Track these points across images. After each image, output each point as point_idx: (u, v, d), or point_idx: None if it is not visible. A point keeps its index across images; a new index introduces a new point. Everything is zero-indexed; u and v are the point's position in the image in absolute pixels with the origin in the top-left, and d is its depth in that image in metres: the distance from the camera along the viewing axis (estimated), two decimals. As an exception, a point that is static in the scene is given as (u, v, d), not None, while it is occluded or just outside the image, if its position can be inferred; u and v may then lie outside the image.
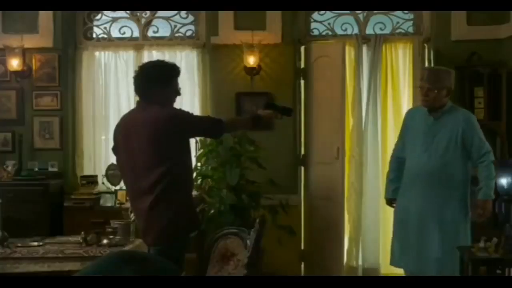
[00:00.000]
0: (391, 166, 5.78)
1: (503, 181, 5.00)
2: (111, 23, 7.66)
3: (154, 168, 4.38)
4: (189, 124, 4.49)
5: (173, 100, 4.59)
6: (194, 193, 6.28)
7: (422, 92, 5.44)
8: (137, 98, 4.59)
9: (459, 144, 5.35)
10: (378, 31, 7.54)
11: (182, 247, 4.48)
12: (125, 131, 4.51)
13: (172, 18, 7.64)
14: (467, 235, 5.37)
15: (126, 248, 5.22)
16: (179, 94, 4.64)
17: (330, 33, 7.61)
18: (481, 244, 4.93)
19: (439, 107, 5.43)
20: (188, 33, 7.65)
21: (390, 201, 5.79)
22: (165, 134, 4.36)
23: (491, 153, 5.38)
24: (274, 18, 7.33)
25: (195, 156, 6.81)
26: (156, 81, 4.48)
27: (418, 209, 5.41)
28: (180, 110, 4.58)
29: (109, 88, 7.55)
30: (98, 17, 7.68)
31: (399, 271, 6.71)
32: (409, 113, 5.81)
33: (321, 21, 7.63)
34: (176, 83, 4.61)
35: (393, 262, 5.77)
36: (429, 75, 5.48)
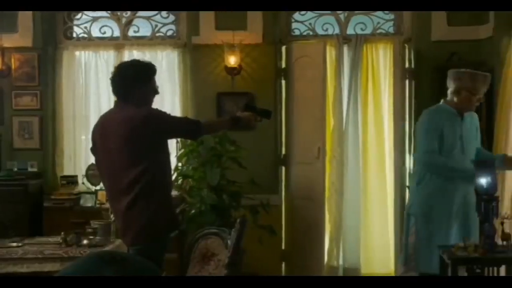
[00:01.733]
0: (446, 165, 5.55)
1: (482, 181, 5.02)
2: (92, 23, 7.62)
3: (131, 168, 4.38)
4: (165, 125, 4.49)
5: (151, 100, 4.58)
6: (175, 193, 6.27)
7: (475, 98, 5.46)
8: (115, 99, 4.59)
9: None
10: (359, 31, 7.55)
11: (162, 247, 4.48)
12: (103, 131, 4.52)
13: (153, 18, 7.61)
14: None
15: (106, 248, 5.19)
16: (157, 92, 4.64)
17: (311, 33, 7.62)
18: (461, 244, 4.96)
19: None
20: (169, 33, 7.63)
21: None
22: (141, 134, 4.36)
23: None
24: (255, 18, 7.33)
25: (175, 156, 6.80)
26: (132, 80, 4.48)
27: (465, 206, 5.39)
28: (157, 110, 4.57)
29: (90, 87, 7.52)
30: (78, 16, 7.64)
31: (380, 271, 6.76)
32: (437, 114, 5.57)
33: (302, 21, 7.64)
34: (154, 82, 4.60)
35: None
36: (486, 80, 5.52)
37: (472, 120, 5.59)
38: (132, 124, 4.38)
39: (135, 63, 4.67)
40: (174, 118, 4.83)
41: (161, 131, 4.47)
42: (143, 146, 4.38)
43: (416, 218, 5.45)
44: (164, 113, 4.56)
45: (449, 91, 5.59)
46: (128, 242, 4.48)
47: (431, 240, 5.35)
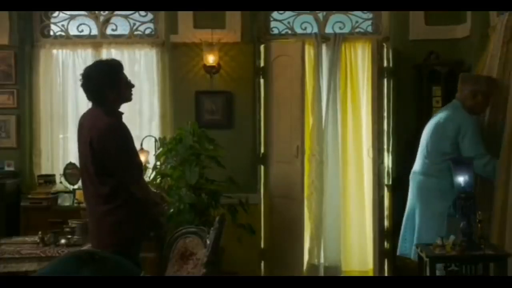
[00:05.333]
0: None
1: (460, 179, 5.06)
2: (69, 21, 7.57)
3: (98, 174, 4.38)
4: (108, 155, 4.38)
5: (118, 102, 4.52)
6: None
7: (488, 101, 5.60)
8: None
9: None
10: (338, 30, 7.56)
11: (137, 249, 4.47)
12: (78, 132, 4.56)
13: (131, 16, 7.58)
14: None
15: (84, 248, 5.17)
16: (131, 85, 4.58)
17: (289, 32, 7.62)
18: (439, 242, 4.99)
19: None
20: (147, 31, 7.59)
21: None
22: (98, 145, 4.35)
23: None
24: (233, 16, 7.31)
25: (154, 154, 6.79)
26: (100, 83, 4.44)
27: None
28: (114, 133, 4.42)
29: (67, 86, 7.46)
30: (55, 14, 7.58)
31: (360, 269, 6.79)
32: (469, 115, 5.74)
33: (281, 20, 7.63)
34: (124, 77, 4.54)
35: None
36: (497, 85, 5.64)
37: None
38: (92, 133, 4.39)
39: (98, 65, 4.63)
40: (122, 155, 4.44)
41: (104, 157, 4.38)
42: (103, 154, 4.35)
43: None
44: (118, 142, 4.41)
45: (462, 94, 5.75)
46: (95, 245, 4.47)
47: None
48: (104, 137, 4.36)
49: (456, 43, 7.24)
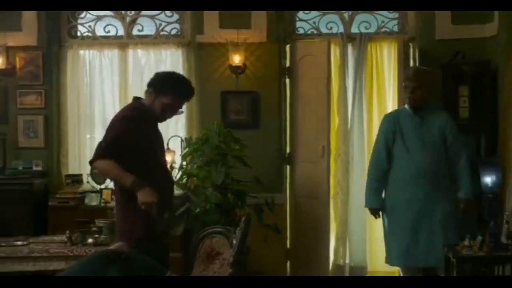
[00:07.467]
0: (373, 176, 5.87)
1: (488, 180, 5.05)
2: (96, 22, 7.62)
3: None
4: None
5: (155, 109, 4.56)
6: (179, 192, 6.27)
7: (407, 91, 5.58)
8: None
9: (443, 143, 5.51)
10: (363, 30, 7.54)
11: (162, 248, 4.48)
12: None
13: (157, 17, 7.61)
14: (457, 227, 5.60)
15: (111, 247, 5.20)
16: (176, 113, 4.69)
17: (315, 31, 7.61)
18: (466, 242, 4.96)
19: (424, 106, 5.56)
20: (173, 32, 7.62)
21: (376, 211, 5.85)
22: None
23: (467, 153, 5.54)
24: (259, 16, 7.32)
25: (180, 154, 6.81)
26: (162, 83, 4.57)
27: (421, 206, 5.55)
28: (122, 115, 4.55)
29: (94, 86, 7.51)
30: (82, 15, 7.63)
31: (386, 270, 6.76)
32: (390, 118, 5.91)
33: (306, 19, 7.63)
34: (180, 102, 4.65)
35: (392, 262, 5.84)
36: (415, 74, 5.61)
37: (439, 119, 5.84)
38: None
39: (178, 75, 4.80)
40: (106, 134, 4.57)
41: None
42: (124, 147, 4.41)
43: None
44: (117, 122, 4.50)
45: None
46: (118, 238, 4.49)
47: None
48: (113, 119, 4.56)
49: (483, 43, 7.18)
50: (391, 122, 5.88)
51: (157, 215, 4.31)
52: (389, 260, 5.94)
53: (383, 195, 5.91)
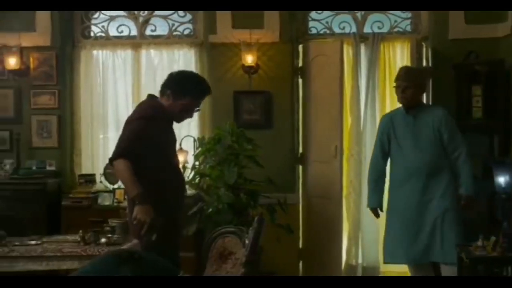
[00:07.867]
0: (371, 177, 6.04)
1: (501, 180, 5.02)
2: (109, 22, 7.64)
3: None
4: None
5: (170, 108, 4.59)
6: (191, 191, 6.29)
7: (399, 90, 5.72)
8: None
9: (440, 140, 5.57)
10: (376, 30, 7.53)
11: (174, 248, 4.49)
12: None
13: (169, 17, 7.63)
14: (458, 224, 5.63)
15: (124, 247, 5.22)
16: (190, 115, 4.76)
17: (328, 31, 7.60)
18: (479, 243, 4.94)
19: (416, 105, 5.68)
20: (186, 32, 7.64)
21: (375, 210, 5.95)
22: None
23: (466, 149, 5.56)
24: (272, 16, 7.32)
25: (193, 154, 6.82)
26: (181, 83, 4.64)
27: (416, 204, 5.61)
28: (140, 114, 4.57)
29: (107, 86, 7.54)
30: (96, 15, 7.66)
31: (399, 270, 6.75)
32: (386, 119, 6.01)
33: (319, 19, 7.62)
34: (196, 103, 4.71)
35: (389, 259, 5.91)
36: (405, 73, 5.73)
37: (433, 117, 5.83)
38: None
39: (196, 76, 4.87)
40: (124, 132, 4.59)
41: None
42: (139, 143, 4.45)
43: None
44: (134, 120, 4.54)
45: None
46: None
47: None
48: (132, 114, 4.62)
49: (496, 42, 7.15)
50: (386, 123, 5.95)
51: (145, 235, 4.33)
52: (385, 259, 6.03)
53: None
